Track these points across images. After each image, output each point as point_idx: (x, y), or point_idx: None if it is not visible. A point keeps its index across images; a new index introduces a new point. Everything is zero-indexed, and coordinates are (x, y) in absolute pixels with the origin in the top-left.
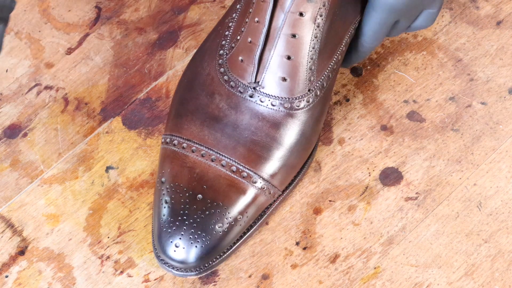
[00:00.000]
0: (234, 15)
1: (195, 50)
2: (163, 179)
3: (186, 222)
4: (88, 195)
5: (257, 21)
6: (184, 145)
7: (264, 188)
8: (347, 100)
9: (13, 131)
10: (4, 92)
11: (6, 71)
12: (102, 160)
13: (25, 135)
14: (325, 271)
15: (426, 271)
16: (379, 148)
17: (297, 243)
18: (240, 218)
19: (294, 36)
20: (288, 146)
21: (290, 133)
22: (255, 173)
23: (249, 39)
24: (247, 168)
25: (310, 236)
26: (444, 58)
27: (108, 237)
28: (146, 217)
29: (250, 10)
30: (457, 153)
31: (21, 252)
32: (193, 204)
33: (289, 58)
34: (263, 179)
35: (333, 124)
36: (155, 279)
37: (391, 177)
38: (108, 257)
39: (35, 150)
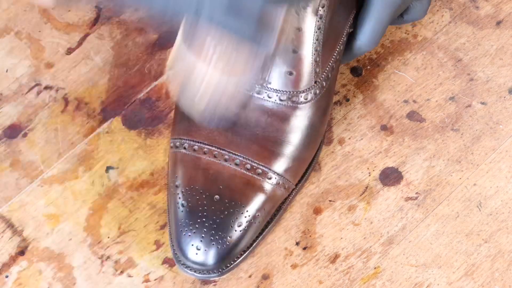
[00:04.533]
0: None
1: None
2: (177, 183)
3: (206, 224)
4: (88, 195)
5: None
6: (195, 147)
7: (279, 183)
8: (347, 100)
9: (13, 131)
10: (4, 92)
11: (6, 71)
12: (102, 160)
13: (25, 135)
14: (325, 271)
15: (426, 271)
16: (379, 148)
17: (297, 243)
18: (258, 215)
19: (298, 29)
20: (299, 139)
21: (300, 126)
22: (269, 169)
23: None
24: (261, 165)
25: (310, 236)
26: (444, 58)
27: (108, 237)
28: (146, 217)
29: None
30: (457, 153)
31: (21, 252)
32: (211, 205)
33: (294, 51)
34: (278, 174)
35: (333, 124)
36: (155, 279)
37: (391, 177)
38: (108, 257)
39: (35, 150)
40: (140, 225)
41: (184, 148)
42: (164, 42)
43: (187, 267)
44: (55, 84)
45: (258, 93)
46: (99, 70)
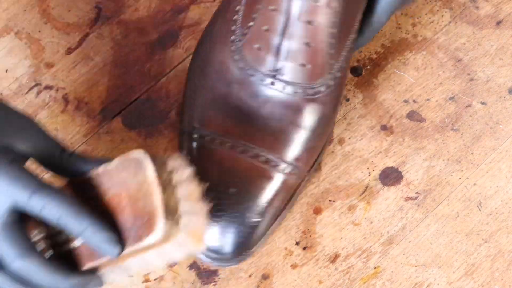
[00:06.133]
0: None
1: (194, 51)
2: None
3: (223, 218)
4: None
5: (273, 9)
6: (208, 138)
7: (292, 172)
8: (347, 100)
9: None
10: (4, 92)
11: (6, 71)
12: None
13: None
14: (325, 271)
15: (426, 271)
16: (379, 148)
17: (297, 243)
18: (273, 205)
19: (311, 22)
20: (312, 130)
21: (313, 117)
22: (283, 160)
23: (265, 27)
24: (276, 157)
25: (310, 236)
26: (444, 58)
27: None
28: None
29: None
30: (457, 153)
31: None
32: (227, 199)
33: (307, 44)
34: (291, 164)
35: None
36: (155, 279)
37: (391, 177)
38: None
39: None
40: None
41: (196, 138)
42: (164, 42)
43: (206, 256)
44: (55, 84)
45: (272, 84)
46: (99, 70)
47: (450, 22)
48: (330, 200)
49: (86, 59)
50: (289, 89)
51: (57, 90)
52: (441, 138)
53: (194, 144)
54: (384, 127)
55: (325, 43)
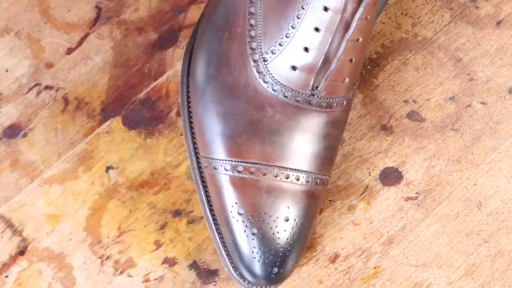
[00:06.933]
0: (252, 9)
1: (197, 74)
2: (240, 211)
3: (281, 249)
4: (88, 195)
5: (317, 29)
6: (252, 169)
7: (325, 183)
8: None
9: (13, 131)
10: (4, 92)
11: (6, 71)
12: (102, 160)
13: (25, 135)
14: (325, 271)
15: (426, 271)
16: (379, 148)
17: None
18: (316, 217)
19: (358, 40)
20: (340, 139)
21: (343, 127)
22: (323, 175)
23: (305, 46)
24: (321, 174)
25: None
26: (444, 58)
27: (108, 237)
28: (146, 217)
29: (297, 15)
30: (457, 153)
31: (21, 252)
32: (283, 228)
33: (351, 60)
34: (328, 177)
35: None
36: (155, 279)
37: (391, 177)
38: (108, 257)
39: (35, 150)
40: (140, 225)
41: (239, 171)
42: (164, 42)
43: (256, 284)
44: (55, 84)
45: (309, 103)
46: (99, 70)
47: (450, 22)
48: (330, 200)
49: (86, 59)
50: (328, 105)
51: (57, 90)
52: (441, 138)
53: (239, 177)
54: (384, 127)
55: (363, 56)
